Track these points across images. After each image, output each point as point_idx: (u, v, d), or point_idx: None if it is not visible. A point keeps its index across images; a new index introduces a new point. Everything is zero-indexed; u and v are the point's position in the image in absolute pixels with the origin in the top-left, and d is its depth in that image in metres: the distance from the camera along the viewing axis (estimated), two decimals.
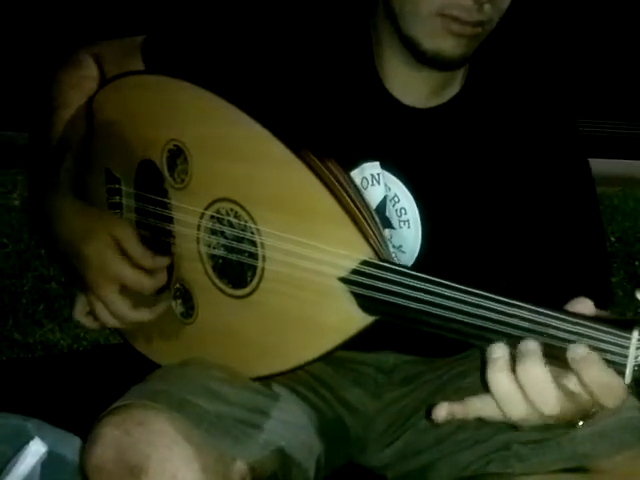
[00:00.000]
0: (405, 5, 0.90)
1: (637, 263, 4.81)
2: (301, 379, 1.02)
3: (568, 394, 0.65)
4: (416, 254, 0.98)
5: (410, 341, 1.06)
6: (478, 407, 0.69)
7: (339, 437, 1.04)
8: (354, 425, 1.06)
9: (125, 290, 0.92)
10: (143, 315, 0.94)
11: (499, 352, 0.67)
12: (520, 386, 0.65)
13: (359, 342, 0.99)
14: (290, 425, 0.94)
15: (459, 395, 0.70)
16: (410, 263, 0.98)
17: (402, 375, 1.09)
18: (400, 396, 1.08)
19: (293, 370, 0.90)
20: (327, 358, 0.87)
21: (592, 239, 0.99)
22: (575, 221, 0.98)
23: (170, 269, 0.96)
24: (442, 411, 0.69)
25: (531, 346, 0.66)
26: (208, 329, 0.95)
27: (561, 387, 0.65)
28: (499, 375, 0.66)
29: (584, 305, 0.67)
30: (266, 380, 0.94)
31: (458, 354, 1.07)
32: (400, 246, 0.98)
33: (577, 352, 0.64)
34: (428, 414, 0.71)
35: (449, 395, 0.75)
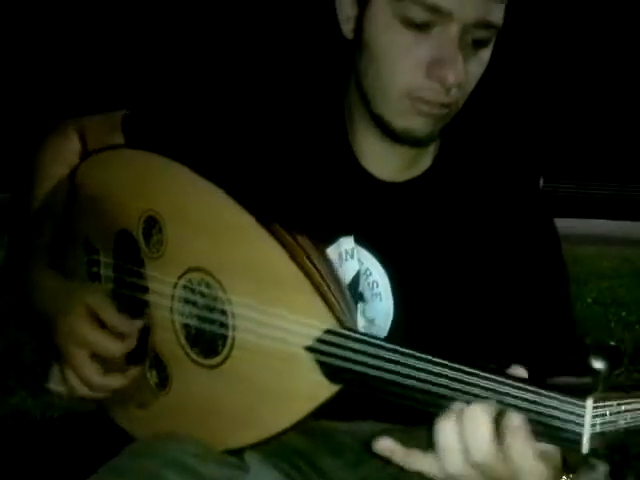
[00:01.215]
0: (375, 86, 0.94)
1: (613, 324, 4.79)
2: (275, 449, 1.01)
3: (505, 458, 0.66)
4: (388, 327, 0.99)
5: (388, 409, 1.05)
6: (419, 458, 0.70)
7: None
8: None
9: (96, 357, 0.92)
10: (114, 381, 0.93)
11: (455, 406, 0.69)
12: (462, 438, 0.66)
13: (335, 411, 0.99)
14: None
15: None
16: (382, 335, 0.99)
17: None
18: (379, 467, 1.06)
19: (266, 442, 0.90)
20: (299, 428, 0.87)
21: (560, 316, 1.01)
22: (543, 296, 1.00)
23: (145, 339, 0.97)
24: (384, 443, 0.71)
25: (481, 406, 0.66)
26: (181, 400, 0.95)
27: (500, 449, 0.66)
28: (446, 423, 0.67)
29: (517, 373, 0.69)
30: (239, 452, 0.93)
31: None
32: (373, 319, 0.99)
33: (511, 420, 0.65)
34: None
35: None
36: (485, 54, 0.93)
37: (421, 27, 0.88)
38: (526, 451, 0.65)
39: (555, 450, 0.67)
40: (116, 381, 0.94)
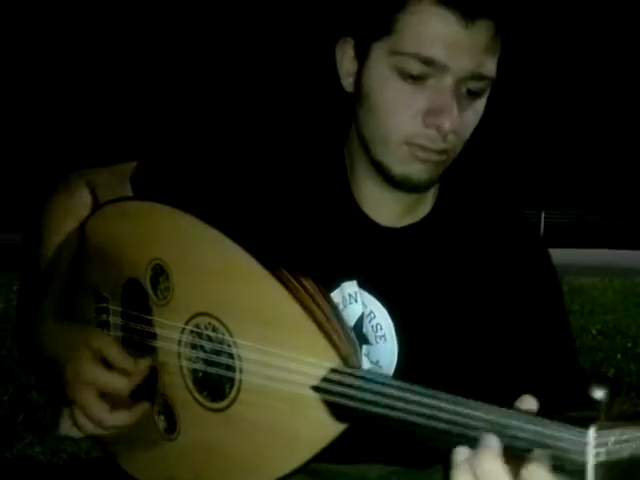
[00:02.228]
0: (375, 135, 0.98)
1: (619, 356, 4.75)
2: None
3: None
4: (393, 369, 1.01)
5: (394, 451, 1.06)
6: None
7: None
8: None
9: (104, 396, 0.94)
10: (122, 418, 0.94)
11: (462, 454, 0.69)
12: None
13: (342, 454, 1.01)
14: None
15: None
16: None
17: None
18: None
19: None
20: (306, 469, 0.88)
21: (563, 352, 1.03)
22: (545, 335, 1.02)
23: (153, 379, 0.99)
24: None
25: (489, 452, 0.67)
26: (189, 444, 0.97)
27: None
28: (460, 476, 0.67)
29: (528, 402, 0.70)
30: None
31: (442, 463, 1.08)
32: (377, 361, 1.01)
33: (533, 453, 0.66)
34: None
35: None
36: (479, 104, 0.97)
37: (417, 79, 0.92)
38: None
39: None
40: (125, 418, 0.95)
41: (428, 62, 0.91)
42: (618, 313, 6.80)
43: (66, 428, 0.99)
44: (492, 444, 0.68)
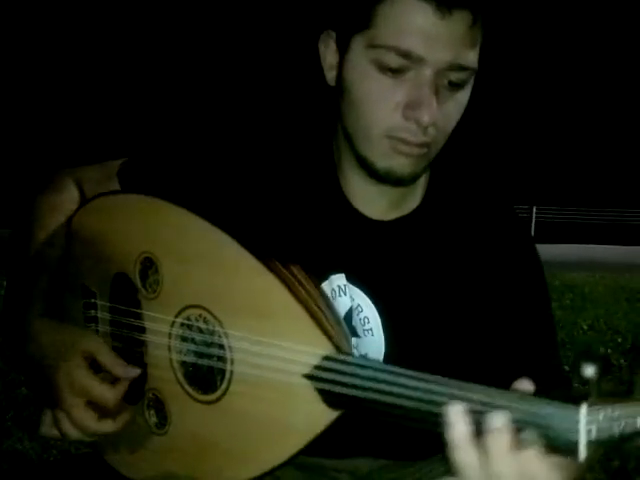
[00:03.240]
0: (357, 129, 0.98)
1: (610, 351, 4.77)
2: None
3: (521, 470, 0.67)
4: (380, 361, 1.01)
5: (384, 445, 1.06)
6: None
7: None
8: None
9: (91, 403, 0.92)
10: (107, 427, 0.93)
11: (461, 434, 0.70)
12: (481, 455, 0.67)
13: (333, 448, 1.01)
14: None
15: None
16: None
17: None
18: None
19: (263, 476, 0.90)
20: (298, 458, 0.87)
21: (543, 346, 1.03)
22: (527, 330, 1.02)
23: (143, 380, 0.98)
24: None
25: (499, 421, 0.68)
26: (180, 438, 0.96)
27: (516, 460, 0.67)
28: (459, 451, 0.69)
29: (524, 386, 0.70)
30: None
31: (434, 456, 1.08)
32: (365, 354, 1.01)
33: (526, 434, 0.66)
34: None
35: None
36: (462, 95, 0.96)
37: (396, 72, 0.92)
38: (535, 460, 0.66)
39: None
40: (109, 426, 0.94)
41: (406, 55, 0.91)
42: (609, 308, 6.83)
43: (47, 429, 0.98)
44: (500, 422, 0.68)
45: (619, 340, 5.31)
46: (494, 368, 1.00)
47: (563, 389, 0.69)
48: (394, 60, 0.91)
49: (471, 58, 0.93)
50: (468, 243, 1.04)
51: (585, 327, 5.68)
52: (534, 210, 18.60)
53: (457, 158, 1.09)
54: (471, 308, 1.03)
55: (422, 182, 1.06)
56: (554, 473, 0.67)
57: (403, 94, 0.93)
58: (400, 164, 0.96)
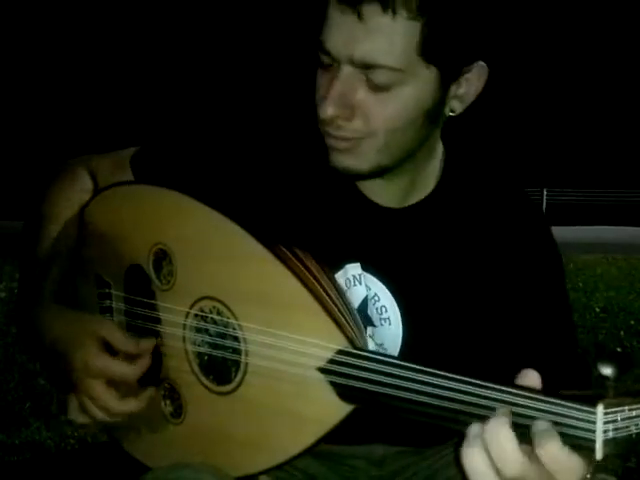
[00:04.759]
0: None
1: (622, 334, 4.75)
2: (290, 475, 1.02)
3: (538, 465, 0.66)
4: (397, 350, 1.01)
5: (399, 432, 1.06)
6: None
7: None
8: None
9: (112, 384, 0.93)
10: (131, 405, 0.94)
11: (474, 430, 0.69)
12: (491, 461, 0.66)
13: (348, 435, 1.00)
14: None
15: None
16: None
17: (393, 467, 1.09)
18: None
19: (280, 466, 0.91)
20: (313, 450, 0.88)
21: (560, 332, 1.03)
22: (544, 315, 1.02)
23: (158, 363, 0.99)
24: None
25: (499, 421, 0.67)
26: (195, 428, 0.97)
27: (527, 460, 0.66)
28: (470, 450, 0.67)
29: (530, 377, 0.69)
30: (253, 478, 0.94)
31: (447, 442, 1.08)
32: (382, 343, 1.01)
33: (538, 426, 0.66)
34: None
35: None
36: (394, 94, 0.91)
37: (325, 67, 0.93)
38: (558, 452, 0.65)
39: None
40: (133, 405, 0.95)
41: (325, 52, 0.91)
42: (622, 290, 6.79)
43: (74, 414, 0.99)
44: (504, 419, 0.67)
45: (632, 322, 5.28)
46: (510, 353, 1.00)
47: (580, 388, 0.68)
48: (322, 56, 0.93)
49: (386, 57, 0.88)
50: (483, 227, 1.04)
51: (597, 310, 5.66)
52: (545, 192, 18.50)
53: (469, 141, 1.08)
54: (488, 293, 1.02)
55: (435, 168, 1.05)
56: (574, 459, 0.66)
57: (322, 89, 0.94)
58: (337, 159, 0.96)
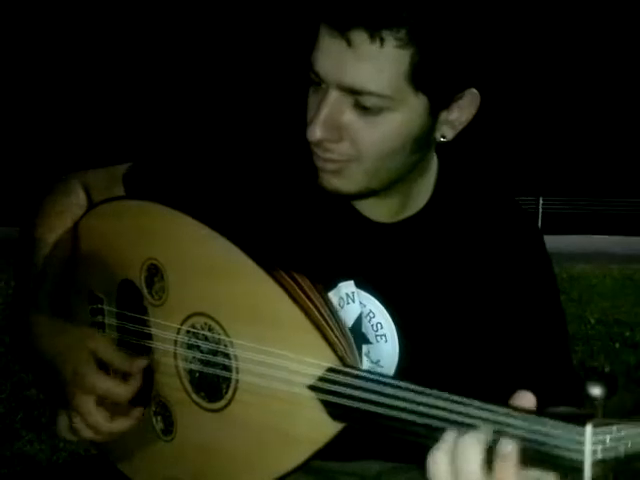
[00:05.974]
0: None
1: (617, 345, 4.74)
2: None
3: None
4: (394, 367, 1.01)
5: (393, 448, 1.06)
6: None
7: None
8: None
9: (102, 402, 0.93)
10: (120, 424, 0.94)
11: (450, 435, 0.69)
12: (453, 468, 0.67)
13: (342, 451, 1.00)
14: None
15: None
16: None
17: None
18: None
19: None
20: (303, 468, 0.88)
21: (554, 345, 1.03)
22: (539, 326, 1.02)
23: (149, 382, 0.98)
24: None
25: (473, 435, 0.68)
26: (186, 445, 0.96)
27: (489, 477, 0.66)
28: (438, 453, 0.68)
29: (525, 398, 0.69)
30: None
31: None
32: (378, 360, 1.01)
33: (502, 447, 0.65)
34: None
35: None
36: (382, 119, 0.91)
37: (315, 89, 0.94)
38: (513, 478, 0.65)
39: (552, 478, 0.67)
40: (123, 425, 0.94)
41: (316, 74, 0.92)
42: (616, 301, 6.78)
43: (64, 432, 0.98)
44: (481, 437, 0.67)
45: (627, 334, 5.28)
46: (505, 367, 1.00)
47: (569, 407, 0.68)
48: (314, 79, 0.93)
49: (375, 84, 0.88)
50: (476, 240, 1.04)
51: (592, 321, 5.65)
52: (540, 201, 18.54)
53: (463, 154, 1.08)
54: (482, 307, 1.02)
55: (428, 181, 1.05)
56: None
57: (311, 111, 0.94)
58: (325, 180, 0.97)
